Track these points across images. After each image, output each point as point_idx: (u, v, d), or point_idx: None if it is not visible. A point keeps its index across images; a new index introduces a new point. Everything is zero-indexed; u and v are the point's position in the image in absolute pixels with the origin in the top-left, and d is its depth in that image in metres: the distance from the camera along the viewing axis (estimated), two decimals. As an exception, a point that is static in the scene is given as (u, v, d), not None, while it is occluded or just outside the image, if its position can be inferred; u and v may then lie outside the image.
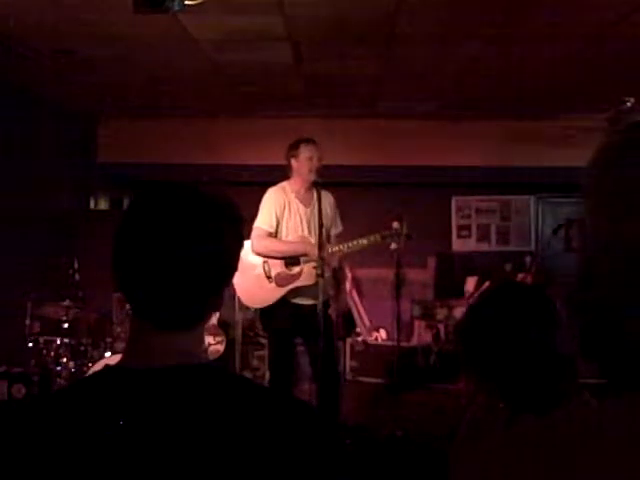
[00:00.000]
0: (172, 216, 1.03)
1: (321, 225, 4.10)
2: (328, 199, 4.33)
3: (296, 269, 4.20)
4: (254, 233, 4.25)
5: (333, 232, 4.35)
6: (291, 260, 4.21)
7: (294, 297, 4.22)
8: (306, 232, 4.21)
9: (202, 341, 1.11)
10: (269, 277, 4.25)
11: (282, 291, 4.21)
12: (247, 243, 4.28)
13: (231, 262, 1.08)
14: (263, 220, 4.24)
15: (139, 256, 1.02)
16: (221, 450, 0.96)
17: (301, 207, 4.26)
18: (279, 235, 4.27)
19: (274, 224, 4.24)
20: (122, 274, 1.04)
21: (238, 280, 4.31)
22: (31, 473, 0.96)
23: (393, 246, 4.22)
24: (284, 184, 4.33)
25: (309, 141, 4.26)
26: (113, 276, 1.05)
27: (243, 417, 0.99)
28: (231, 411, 1.00)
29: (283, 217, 4.25)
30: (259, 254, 4.24)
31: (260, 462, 0.96)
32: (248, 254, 4.23)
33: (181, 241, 1.01)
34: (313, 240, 4.14)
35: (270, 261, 4.23)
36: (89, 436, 0.97)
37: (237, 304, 5.18)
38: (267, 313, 4.38)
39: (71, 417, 1.00)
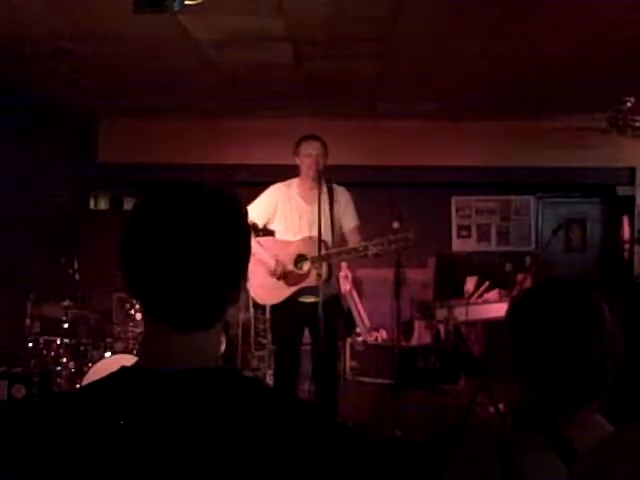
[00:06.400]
0: (182, 214, 1.02)
1: (332, 225, 4.09)
2: (342, 196, 4.28)
3: (305, 269, 4.16)
4: None
5: (346, 228, 4.29)
6: (299, 260, 4.18)
7: (300, 295, 4.18)
8: (307, 230, 4.16)
9: (219, 341, 1.09)
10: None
11: (290, 290, 4.19)
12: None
13: (243, 253, 1.08)
14: (250, 210, 4.19)
15: (152, 255, 1.00)
16: (243, 455, 0.96)
17: (303, 205, 4.20)
18: (277, 231, 4.27)
19: (262, 216, 4.23)
20: (134, 274, 1.03)
21: (250, 277, 4.32)
22: (47, 475, 0.95)
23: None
24: (292, 181, 4.30)
25: (311, 138, 4.22)
26: (122, 276, 1.03)
27: (265, 424, 0.99)
28: (252, 417, 0.99)
29: (277, 213, 4.24)
30: None
31: (282, 470, 0.96)
32: (260, 252, 4.22)
33: (193, 237, 1.01)
34: (325, 237, 4.07)
35: (281, 260, 4.19)
36: (109, 439, 0.95)
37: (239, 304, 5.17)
38: (275, 311, 4.37)
39: (91, 420, 0.97)
